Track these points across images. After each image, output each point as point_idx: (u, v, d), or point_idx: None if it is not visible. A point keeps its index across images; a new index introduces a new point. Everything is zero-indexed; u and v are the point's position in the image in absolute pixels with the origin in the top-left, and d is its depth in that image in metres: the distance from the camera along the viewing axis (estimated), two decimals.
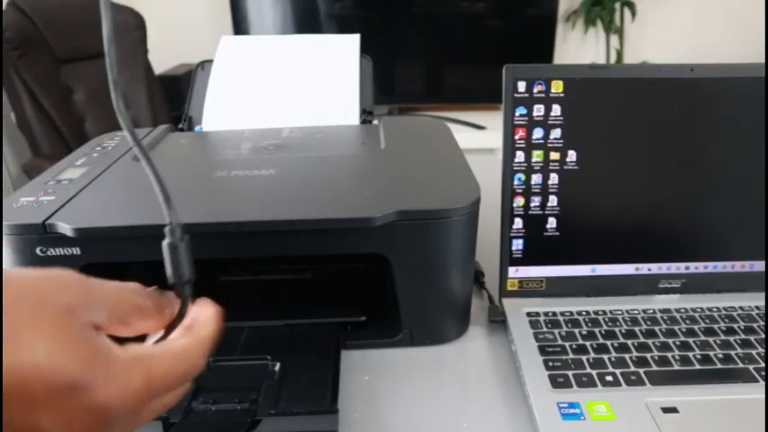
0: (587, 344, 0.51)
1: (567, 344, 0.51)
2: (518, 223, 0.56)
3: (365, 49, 0.81)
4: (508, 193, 0.56)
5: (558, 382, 0.47)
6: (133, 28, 1.79)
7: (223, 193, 0.53)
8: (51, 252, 0.47)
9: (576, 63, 0.60)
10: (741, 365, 0.48)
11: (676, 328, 0.53)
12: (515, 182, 0.56)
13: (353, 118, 0.76)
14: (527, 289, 0.58)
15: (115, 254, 0.48)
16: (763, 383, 0.47)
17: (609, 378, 0.47)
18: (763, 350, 0.50)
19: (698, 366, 0.49)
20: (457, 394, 0.48)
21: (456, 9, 2.16)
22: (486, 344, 0.54)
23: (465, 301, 0.54)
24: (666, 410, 0.44)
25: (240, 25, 2.19)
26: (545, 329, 0.53)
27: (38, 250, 0.47)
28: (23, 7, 1.57)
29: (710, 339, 0.52)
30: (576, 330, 0.53)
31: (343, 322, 0.54)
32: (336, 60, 0.80)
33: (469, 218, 0.49)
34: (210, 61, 0.81)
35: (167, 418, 0.42)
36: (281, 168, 0.56)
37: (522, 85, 0.54)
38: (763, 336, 0.52)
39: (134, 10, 1.80)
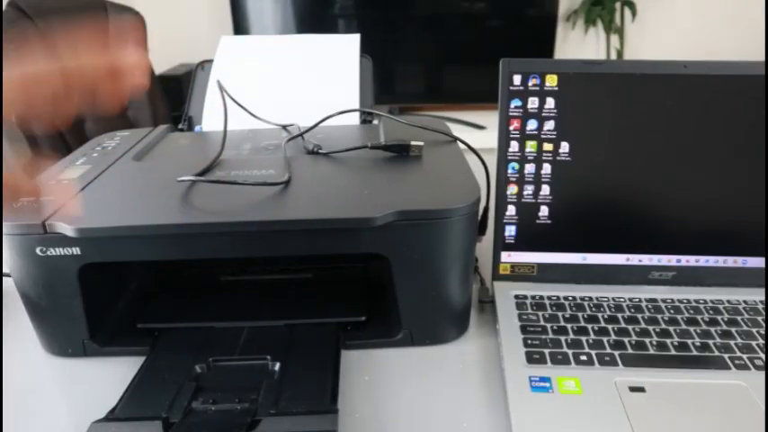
0: (568, 326, 0.52)
1: (548, 325, 0.52)
2: (511, 210, 0.58)
3: (365, 49, 0.81)
4: (502, 181, 0.58)
5: (533, 359, 0.48)
6: (133, 28, 1.79)
7: (223, 194, 0.53)
8: (51, 252, 0.47)
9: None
10: (717, 353, 0.49)
11: (659, 316, 0.54)
12: (509, 170, 0.57)
13: (353, 118, 0.76)
14: (518, 273, 0.60)
15: (115, 254, 0.48)
16: (734, 371, 0.47)
17: (583, 357, 0.49)
18: (743, 341, 0.50)
19: (673, 352, 0.49)
20: (457, 394, 0.48)
21: (456, 9, 2.16)
22: (487, 344, 0.54)
23: (465, 300, 0.54)
24: (634, 389, 0.45)
25: (240, 25, 2.19)
26: (530, 311, 0.55)
27: (38, 250, 0.47)
28: (23, 7, 1.57)
29: (691, 329, 0.52)
30: (560, 313, 0.54)
31: (343, 322, 0.54)
32: (336, 60, 0.80)
33: (469, 218, 0.49)
34: (210, 61, 0.81)
35: (167, 418, 0.42)
36: (281, 168, 0.56)
37: (517, 79, 0.56)
38: (746, 328, 0.52)
39: (134, 10, 1.80)
